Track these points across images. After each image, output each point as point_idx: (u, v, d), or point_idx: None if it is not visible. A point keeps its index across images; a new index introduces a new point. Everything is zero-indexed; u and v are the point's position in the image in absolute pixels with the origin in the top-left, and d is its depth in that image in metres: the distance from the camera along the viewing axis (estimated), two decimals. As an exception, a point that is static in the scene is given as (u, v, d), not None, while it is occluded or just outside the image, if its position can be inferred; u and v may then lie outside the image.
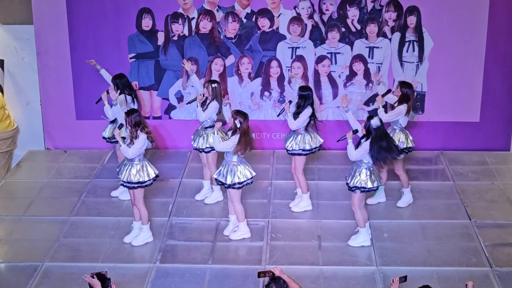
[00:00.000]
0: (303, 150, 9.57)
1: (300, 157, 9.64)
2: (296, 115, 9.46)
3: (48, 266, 8.62)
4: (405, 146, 9.66)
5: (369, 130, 8.63)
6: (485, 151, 11.58)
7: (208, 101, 9.62)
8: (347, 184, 8.89)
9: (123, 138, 8.91)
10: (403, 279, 7.03)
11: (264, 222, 9.48)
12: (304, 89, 9.55)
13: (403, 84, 9.62)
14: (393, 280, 6.94)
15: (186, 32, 11.47)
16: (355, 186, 8.80)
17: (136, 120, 8.73)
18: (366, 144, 8.65)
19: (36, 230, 9.46)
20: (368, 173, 8.78)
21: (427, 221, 9.53)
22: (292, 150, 9.60)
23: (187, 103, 10.83)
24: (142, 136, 8.73)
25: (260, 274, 7.01)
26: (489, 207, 9.90)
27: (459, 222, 9.51)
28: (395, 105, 9.62)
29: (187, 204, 10.06)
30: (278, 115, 10.21)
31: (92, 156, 11.59)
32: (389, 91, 9.75)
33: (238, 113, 8.82)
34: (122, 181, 8.91)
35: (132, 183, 8.82)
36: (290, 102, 9.57)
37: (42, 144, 12.03)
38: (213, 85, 9.60)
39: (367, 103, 11.62)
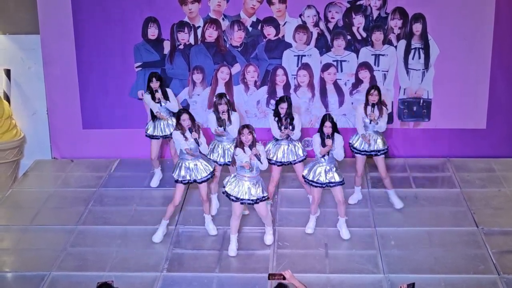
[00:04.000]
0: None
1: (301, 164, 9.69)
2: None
3: (55, 276, 8.62)
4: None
5: (334, 123, 8.96)
6: (491, 158, 11.53)
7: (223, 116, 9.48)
8: (340, 182, 9.12)
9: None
10: (411, 286, 7.01)
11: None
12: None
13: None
14: (400, 287, 6.93)
15: (192, 41, 11.50)
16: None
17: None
18: (340, 137, 9.04)
19: (43, 239, 9.46)
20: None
21: (434, 228, 9.50)
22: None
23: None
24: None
25: (270, 276, 6.98)
26: (496, 214, 9.86)
27: (466, 229, 9.48)
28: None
29: (193, 212, 10.05)
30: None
31: (99, 165, 11.60)
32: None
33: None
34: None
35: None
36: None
37: (49, 154, 12.05)
38: (226, 99, 9.46)
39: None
